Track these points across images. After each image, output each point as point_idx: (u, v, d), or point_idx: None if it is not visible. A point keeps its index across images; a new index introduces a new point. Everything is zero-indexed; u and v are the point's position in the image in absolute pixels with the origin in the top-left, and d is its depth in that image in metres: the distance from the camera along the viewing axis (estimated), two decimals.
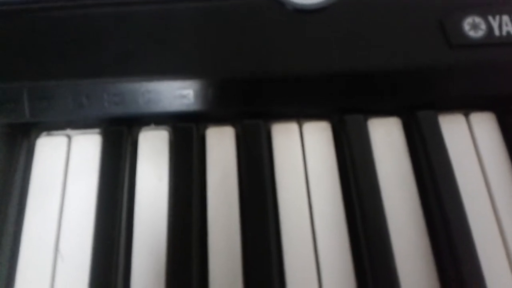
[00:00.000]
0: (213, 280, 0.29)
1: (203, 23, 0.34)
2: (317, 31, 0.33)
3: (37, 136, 0.34)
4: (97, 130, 0.34)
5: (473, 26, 0.32)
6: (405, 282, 0.29)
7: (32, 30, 0.33)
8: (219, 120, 0.34)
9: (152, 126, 0.34)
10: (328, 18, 0.34)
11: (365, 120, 0.33)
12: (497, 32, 0.32)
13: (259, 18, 0.34)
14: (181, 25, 0.33)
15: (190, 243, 0.29)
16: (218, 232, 0.30)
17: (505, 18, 0.32)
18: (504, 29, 0.32)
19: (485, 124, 0.33)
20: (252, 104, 0.33)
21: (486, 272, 0.28)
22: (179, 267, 0.29)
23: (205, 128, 0.34)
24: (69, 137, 0.33)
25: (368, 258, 0.29)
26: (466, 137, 0.33)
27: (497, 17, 0.32)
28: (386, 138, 0.33)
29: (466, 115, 0.34)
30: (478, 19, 0.32)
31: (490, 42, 0.32)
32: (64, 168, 0.32)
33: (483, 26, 0.32)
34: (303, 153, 0.33)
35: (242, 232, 0.30)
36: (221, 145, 0.33)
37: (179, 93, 0.32)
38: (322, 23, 0.33)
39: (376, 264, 0.28)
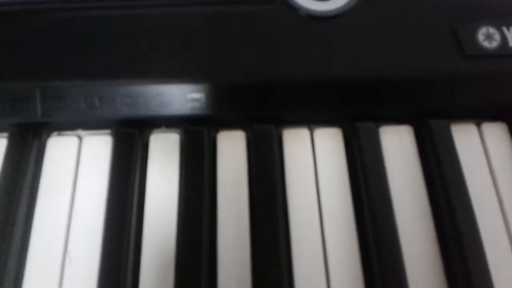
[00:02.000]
0: (222, 284, 0.29)
1: (216, 27, 0.34)
2: (330, 38, 0.33)
3: (48, 136, 0.34)
4: (108, 131, 0.34)
5: (487, 37, 0.32)
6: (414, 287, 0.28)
7: (46, 30, 0.33)
8: (231, 125, 0.34)
9: (163, 128, 0.34)
10: (341, 25, 0.34)
11: (377, 128, 0.33)
12: (511, 43, 0.32)
13: (272, 23, 0.34)
14: (194, 29, 0.33)
15: (200, 247, 0.29)
16: (228, 236, 0.30)
17: None
18: None
19: (497, 134, 0.33)
20: (263, 109, 0.33)
21: (496, 282, 0.28)
22: (188, 271, 0.29)
23: (216, 132, 0.34)
24: (80, 137, 0.33)
25: (378, 266, 0.29)
26: (478, 147, 0.33)
27: None
28: (397, 146, 0.33)
29: (478, 125, 0.34)
30: (492, 30, 0.32)
31: (504, 53, 0.32)
32: (75, 169, 0.32)
33: (497, 36, 0.32)
34: (314, 159, 0.33)
35: (252, 237, 0.30)
36: (232, 150, 0.33)
37: (191, 97, 0.32)
38: (335, 30, 0.33)
39: (386, 272, 0.28)
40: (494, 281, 0.28)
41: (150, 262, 0.30)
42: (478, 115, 0.34)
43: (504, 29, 0.32)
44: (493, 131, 0.33)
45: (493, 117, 0.33)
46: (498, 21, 0.32)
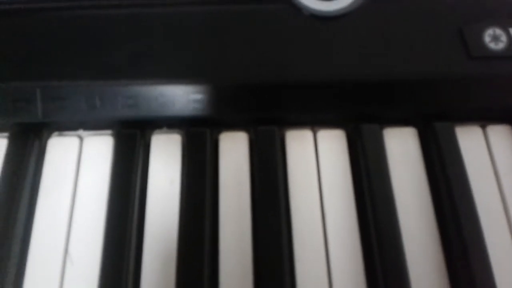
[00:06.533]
0: (224, 286, 0.29)
1: (218, 27, 0.33)
2: (333, 38, 0.33)
3: (48, 136, 0.33)
4: (109, 131, 0.33)
5: (494, 38, 0.32)
6: None
7: (47, 30, 0.33)
8: (233, 126, 0.33)
9: (165, 129, 0.34)
10: (346, 25, 0.33)
11: (381, 129, 0.33)
12: None
13: (276, 23, 0.33)
14: (197, 29, 0.33)
15: (202, 248, 0.29)
16: (229, 238, 0.30)
17: None
18: None
19: (501, 137, 0.33)
20: (266, 110, 0.32)
21: (499, 285, 0.28)
22: (190, 273, 0.28)
23: (218, 133, 0.33)
24: (81, 138, 0.33)
25: (381, 269, 0.28)
26: (483, 150, 0.32)
27: None
28: (401, 148, 0.33)
29: (483, 127, 0.33)
30: (499, 31, 0.32)
31: (510, 55, 0.31)
32: (75, 170, 0.32)
33: (503, 38, 0.32)
34: (317, 161, 0.32)
35: (254, 239, 0.30)
36: (234, 151, 0.33)
37: (193, 98, 0.32)
38: (339, 30, 0.33)
39: (389, 275, 0.28)
40: (497, 283, 0.28)
41: (152, 263, 0.29)
42: (484, 117, 0.33)
43: (511, 30, 0.32)
44: (498, 133, 0.33)
45: (499, 120, 0.33)
46: (505, 22, 0.32)
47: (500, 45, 0.32)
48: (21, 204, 0.31)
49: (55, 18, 0.34)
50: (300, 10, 0.33)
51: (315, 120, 0.33)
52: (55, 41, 0.33)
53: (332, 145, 0.33)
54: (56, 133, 0.34)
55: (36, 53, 0.32)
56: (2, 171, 0.31)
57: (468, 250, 0.28)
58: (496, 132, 0.33)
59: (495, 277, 0.28)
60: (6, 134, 0.33)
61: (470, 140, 0.33)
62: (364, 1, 0.33)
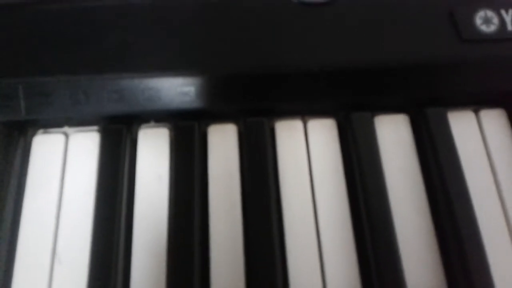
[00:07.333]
0: (215, 280, 0.29)
1: (205, 17, 0.33)
2: (322, 25, 0.32)
3: (33, 133, 0.33)
4: (95, 127, 0.33)
5: (485, 20, 0.31)
6: (411, 281, 0.28)
7: (28, 24, 0.32)
8: (221, 118, 0.33)
9: (152, 123, 0.33)
10: (334, 11, 0.32)
11: (372, 117, 0.32)
12: (509, 27, 0.31)
13: (263, 12, 0.33)
14: (182, 19, 0.32)
15: (192, 243, 0.29)
16: (220, 232, 0.30)
17: None
18: None
19: (495, 121, 0.32)
20: (255, 101, 0.32)
21: (494, 270, 0.28)
22: (180, 269, 0.28)
23: (206, 125, 0.33)
24: (66, 134, 0.33)
25: (374, 258, 0.28)
26: (476, 134, 0.32)
27: (510, 11, 0.31)
28: (393, 135, 0.32)
29: (476, 112, 0.33)
30: (490, 13, 0.31)
31: (502, 37, 0.31)
32: (61, 167, 0.31)
33: (495, 20, 0.31)
34: (308, 151, 0.32)
35: (245, 232, 0.30)
36: (223, 143, 0.32)
37: (180, 90, 0.31)
38: (328, 16, 0.32)
39: (382, 264, 0.28)
40: (491, 268, 0.28)
41: (141, 260, 0.29)
42: (476, 102, 0.33)
43: (503, 12, 0.31)
44: (491, 117, 0.32)
45: (492, 104, 0.33)
46: (496, 4, 0.31)
47: (491, 28, 0.31)
48: (7, 203, 0.30)
49: (36, 12, 0.33)
50: None
51: (305, 110, 0.33)
52: (36, 36, 0.32)
53: (322, 134, 0.32)
54: (41, 130, 0.33)
55: (17, 48, 0.32)
56: None
57: (461, 237, 0.28)
58: (490, 116, 0.32)
59: (489, 262, 0.28)
60: None
61: (463, 125, 0.32)
62: None
